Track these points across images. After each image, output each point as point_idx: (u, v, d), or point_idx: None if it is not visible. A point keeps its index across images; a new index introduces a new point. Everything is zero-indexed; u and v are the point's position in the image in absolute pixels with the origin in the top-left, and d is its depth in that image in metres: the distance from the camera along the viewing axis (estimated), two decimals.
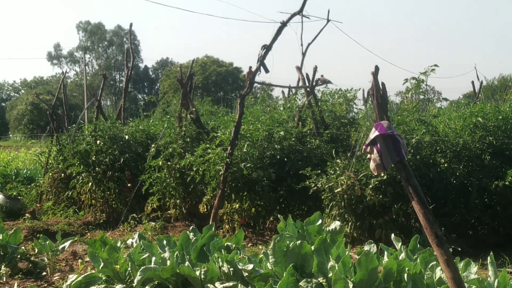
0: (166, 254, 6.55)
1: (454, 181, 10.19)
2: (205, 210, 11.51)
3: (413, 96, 11.15)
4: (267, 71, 10.71)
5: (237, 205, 11.36)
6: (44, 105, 22.67)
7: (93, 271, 7.16)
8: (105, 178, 13.26)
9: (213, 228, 7.44)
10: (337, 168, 10.25)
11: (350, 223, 9.94)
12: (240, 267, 5.79)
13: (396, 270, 5.40)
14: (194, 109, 12.83)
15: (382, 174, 9.48)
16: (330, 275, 5.44)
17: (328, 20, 12.22)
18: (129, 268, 6.66)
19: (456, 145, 10.64)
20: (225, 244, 6.87)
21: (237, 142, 11.10)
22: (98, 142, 13.45)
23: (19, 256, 8.55)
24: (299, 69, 13.28)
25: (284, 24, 10.76)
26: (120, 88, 73.22)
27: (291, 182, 11.31)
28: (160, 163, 12.28)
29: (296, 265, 5.58)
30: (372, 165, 5.11)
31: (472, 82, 18.50)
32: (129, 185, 13.14)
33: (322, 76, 13.57)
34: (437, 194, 10.05)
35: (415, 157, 10.05)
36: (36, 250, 8.69)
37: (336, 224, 7.11)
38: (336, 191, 9.95)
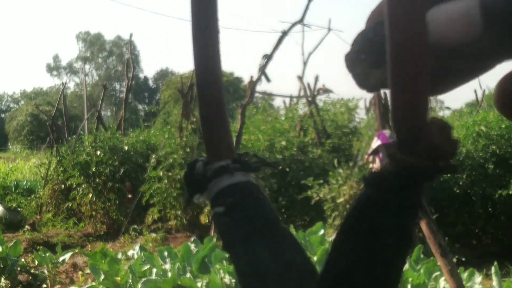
0: (167, 266, 6.50)
1: (457, 191, 10.14)
2: (207, 221, 11.45)
3: None
4: (268, 80, 10.69)
5: None
6: (44, 116, 22.67)
7: (93, 283, 7.10)
8: (106, 189, 13.21)
9: (214, 239, 7.39)
10: (339, 178, 10.20)
11: None
12: None
13: None
14: (195, 119, 12.79)
15: None
16: None
17: (329, 29, 12.21)
18: (130, 280, 6.60)
19: (459, 154, 10.58)
20: (227, 255, 6.80)
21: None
22: (98, 153, 13.40)
23: (19, 269, 8.50)
24: (300, 78, 13.27)
25: (285, 34, 10.73)
26: (120, 99, 73.26)
27: (292, 192, 11.26)
28: (161, 173, 12.24)
29: None
30: None
31: (475, 91, 18.50)
32: (129, 196, 13.08)
33: (323, 85, 13.55)
34: (440, 203, 10.00)
35: None
36: (36, 262, 8.64)
37: None
38: (338, 201, 9.89)
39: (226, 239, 1.30)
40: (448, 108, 13.68)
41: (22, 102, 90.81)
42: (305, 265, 1.20)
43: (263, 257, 1.19)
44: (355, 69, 1.17)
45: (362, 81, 1.17)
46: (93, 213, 13.44)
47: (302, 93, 13.67)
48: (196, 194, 1.40)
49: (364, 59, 1.13)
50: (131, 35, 18.89)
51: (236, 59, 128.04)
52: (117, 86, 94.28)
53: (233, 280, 5.77)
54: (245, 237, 1.24)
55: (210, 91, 1.40)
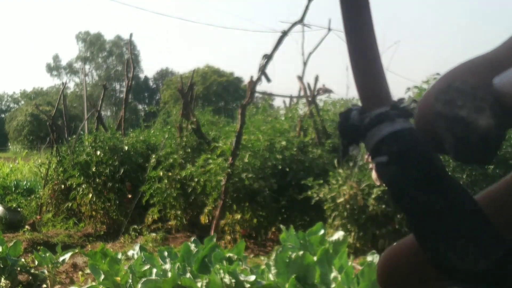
0: (167, 266, 6.50)
1: None
2: (207, 221, 11.46)
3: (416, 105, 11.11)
4: (268, 80, 10.69)
5: (238, 216, 11.31)
6: (44, 116, 22.69)
7: (93, 283, 7.09)
8: (106, 189, 13.22)
9: (214, 239, 7.38)
10: (339, 178, 10.20)
11: (352, 234, 9.89)
12: (242, 279, 5.73)
13: None
14: (195, 119, 12.81)
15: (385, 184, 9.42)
16: (333, 286, 5.38)
17: (329, 29, 12.22)
18: (130, 280, 6.60)
19: None
20: (227, 255, 6.81)
21: (238, 152, 11.06)
22: (98, 153, 13.40)
23: (19, 269, 8.50)
24: (301, 78, 13.28)
25: (285, 34, 10.74)
26: (120, 99, 73.26)
27: (293, 192, 11.26)
28: (161, 173, 12.24)
29: (298, 276, 5.52)
30: (374, 175, 5.06)
31: None
32: (129, 196, 13.09)
33: (323, 85, 13.56)
34: None
35: None
36: (36, 263, 8.63)
37: (339, 234, 7.05)
38: (338, 201, 9.90)
39: (394, 189, 1.24)
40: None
41: (22, 102, 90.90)
42: (479, 211, 1.16)
43: (439, 204, 1.14)
44: (456, 116, 1.15)
45: (472, 125, 1.15)
46: (93, 213, 13.44)
47: (302, 93, 13.69)
48: (352, 145, 1.31)
49: (463, 106, 1.12)
50: (131, 35, 18.87)
51: (236, 59, 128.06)
52: (117, 86, 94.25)
53: (233, 280, 5.76)
54: (416, 185, 1.16)
55: (360, 32, 1.33)
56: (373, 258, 6.34)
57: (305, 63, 13.98)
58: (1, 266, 8.38)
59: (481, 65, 1.13)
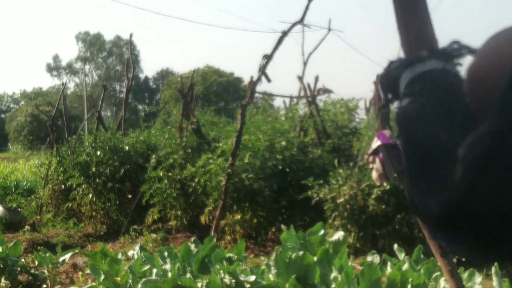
0: (168, 266, 6.50)
1: None
2: (207, 221, 11.46)
3: None
4: (269, 80, 10.69)
5: (238, 216, 11.32)
6: (44, 116, 22.71)
7: (93, 284, 7.09)
8: (106, 189, 13.22)
9: (214, 239, 7.39)
10: (340, 178, 10.21)
11: (353, 234, 9.89)
12: (242, 279, 5.73)
13: (400, 281, 5.34)
14: (195, 120, 12.81)
15: (385, 184, 9.43)
16: (333, 286, 5.38)
17: (329, 30, 12.22)
18: (130, 280, 6.60)
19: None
20: (227, 255, 6.81)
21: (239, 152, 11.06)
22: (98, 153, 13.40)
23: (19, 269, 8.50)
24: (301, 78, 13.28)
25: (285, 34, 10.74)
26: (120, 99, 73.23)
27: (293, 193, 11.26)
28: (161, 174, 12.24)
29: (298, 276, 5.52)
30: (374, 175, 5.06)
31: None
32: (129, 196, 13.08)
33: (323, 85, 13.56)
34: None
35: None
36: (36, 263, 8.64)
37: (339, 234, 7.05)
38: (338, 201, 9.90)
39: (406, 128, 1.15)
40: None
41: (22, 102, 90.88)
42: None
43: (454, 142, 1.06)
44: None
45: None
46: (93, 213, 13.45)
47: (302, 93, 13.69)
48: (393, 97, 1.26)
49: None
50: (131, 35, 18.84)
51: (236, 59, 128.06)
52: (117, 87, 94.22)
53: (233, 281, 5.77)
54: (434, 123, 1.09)
55: None
56: (373, 258, 6.34)
57: (305, 63, 14.01)
58: (1, 266, 8.39)
59: None
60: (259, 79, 10.72)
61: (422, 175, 1.09)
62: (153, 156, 12.76)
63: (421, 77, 1.15)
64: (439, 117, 1.11)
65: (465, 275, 5.54)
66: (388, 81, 1.25)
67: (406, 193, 1.12)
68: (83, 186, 13.33)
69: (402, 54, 1.29)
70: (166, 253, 7.08)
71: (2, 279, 8.17)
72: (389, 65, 1.25)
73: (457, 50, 1.20)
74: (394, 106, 1.23)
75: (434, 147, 1.09)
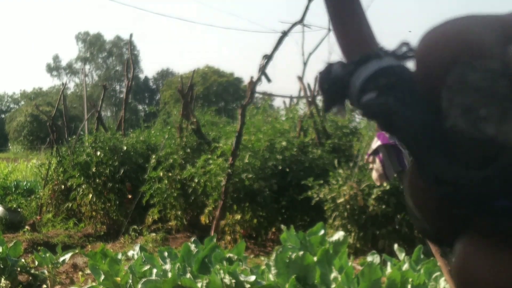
0: (168, 266, 6.50)
1: None
2: (207, 221, 11.46)
3: None
4: (269, 80, 10.69)
5: (238, 216, 11.31)
6: (44, 116, 22.70)
7: (93, 284, 7.09)
8: (106, 189, 13.22)
9: (214, 240, 7.39)
10: (340, 178, 10.20)
11: (353, 234, 9.89)
12: (242, 279, 5.73)
13: (400, 281, 5.34)
14: (195, 120, 12.81)
15: (385, 184, 9.43)
16: (333, 286, 5.38)
17: (329, 30, 12.19)
18: (130, 281, 6.60)
19: None
20: (227, 255, 6.81)
21: (239, 152, 11.06)
22: (98, 153, 13.40)
23: (19, 269, 8.50)
24: (301, 78, 13.27)
25: (285, 34, 10.74)
26: (120, 99, 73.18)
27: (293, 193, 11.26)
28: (161, 174, 12.24)
29: (298, 276, 5.52)
30: (374, 175, 5.06)
31: None
32: (129, 196, 13.08)
33: None
34: None
35: None
36: (36, 263, 8.63)
37: (339, 234, 7.05)
38: (338, 201, 9.90)
39: (385, 116, 1.12)
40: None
41: (22, 102, 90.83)
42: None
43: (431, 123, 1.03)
44: (482, 136, 0.96)
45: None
46: (93, 213, 13.44)
47: (302, 94, 13.69)
48: (337, 98, 1.21)
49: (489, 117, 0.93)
50: (131, 35, 18.85)
51: (236, 59, 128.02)
52: (117, 87, 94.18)
53: (233, 281, 5.77)
54: (410, 105, 1.08)
55: None
56: (373, 258, 6.34)
57: (305, 64, 13.99)
58: (1, 266, 8.38)
59: (498, 27, 1.00)
60: (259, 79, 10.72)
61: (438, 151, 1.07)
62: (153, 156, 12.76)
63: (383, 72, 1.13)
64: (420, 103, 1.09)
65: None
66: (329, 83, 1.23)
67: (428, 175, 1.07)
68: (83, 186, 13.33)
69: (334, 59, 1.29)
70: (166, 253, 7.07)
71: (2, 279, 8.17)
72: (328, 67, 1.23)
73: (408, 52, 1.18)
74: (338, 109, 1.22)
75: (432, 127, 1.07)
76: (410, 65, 1.27)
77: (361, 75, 1.18)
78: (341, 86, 1.25)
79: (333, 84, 1.26)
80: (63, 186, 14.49)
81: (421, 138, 1.13)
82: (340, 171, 10.40)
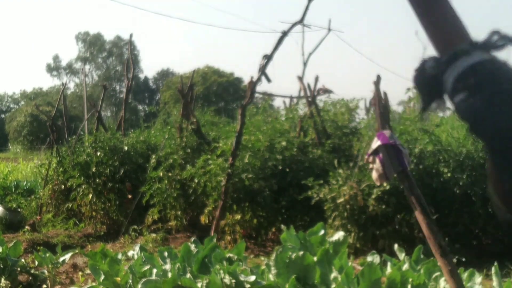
0: (168, 266, 6.50)
1: (458, 191, 10.13)
2: (207, 221, 11.45)
3: (415, 106, 11.10)
4: (269, 80, 10.68)
5: (238, 216, 11.31)
6: (44, 116, 22.73)
7: (93, 284, 7.09)
8: (106, 189, 13.21)
9: (214, 240, 7.38)
10: (340, 178, 10.20)
11: (353, 234, 9.89)
12: (242, 279, 5.73)
13: (400, 281, 5.34)
14: (195, 120, 12.80)
15: (385, 184, 9.43)
16: (333, 286, 5.38)
17: (329, 30, 12.21)
18: (130, 281, 6.60)
19: (459, 154, 10.58)
20: (227, 255, 6.81)
21: (239, 152, 11.06)
22: (98, 153, 13.40)
23: (19, 269, 8.50)
24: (301, 78, 13.27)
25: (285, 34, 10.74)
26: (120, 99, 73.18)
27: (293, 193, 11.26)
28: (161, 174, 12.24)
29: (298, 276, 5.52)
30: (374, 175, 5.07)
31: None
32: (129, 196, 13.08)
33: (323, 85, 13.54)
34: (440, 204, 9.99)
35: (417, 167, 10.00)
36: (36, 263, 8.63)
37: (339, 234, 7.05)
38: (338, 201, 9.90)
39: (476, 121, 1.10)
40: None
41: (22, 102, 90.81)
42: None
43: None
44: None
45: None
46: (93, 213, 13.44)
47: (302, 94, 13.67)
48: (433, 97, 1.19)
49: None
50: (131, 35, 18.83)
51: (236, 59, 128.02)
52: (117, 87, 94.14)
53: (233, 281, 5.76)
54: (501, 112, 1.05)
55: None
56: (373, 258, 6.34)
57: (305, 63, 14.00)
58: (1, 266, 8.38)
59: None
60: (259, 79, 10.72)
61: None
62: (153, 156, 12.76)
63: (472, 69, 1.11)
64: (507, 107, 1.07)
65: (465, 275, 5.54)
66: (425, 80, 1.20)
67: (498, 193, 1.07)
68: (83, 187, 13.32)
69: (425, 55, 1.25)
70: (166, 253, 7.07)
71: (2, 279, 8.17)
72: (422, 64, 1.21)
73: (499, 40, 1.16)
74: (437, 105, 1.19)
75: None
76: (504, 55, 1.22)
77: (451, 74, 1.16)
78: (436, 84, 1.21)
79: (427, 84, 1.23)
80: (63, 186, 14.49)
81: (508, 145, 1.11)
82: (340, 171, 10.40)
